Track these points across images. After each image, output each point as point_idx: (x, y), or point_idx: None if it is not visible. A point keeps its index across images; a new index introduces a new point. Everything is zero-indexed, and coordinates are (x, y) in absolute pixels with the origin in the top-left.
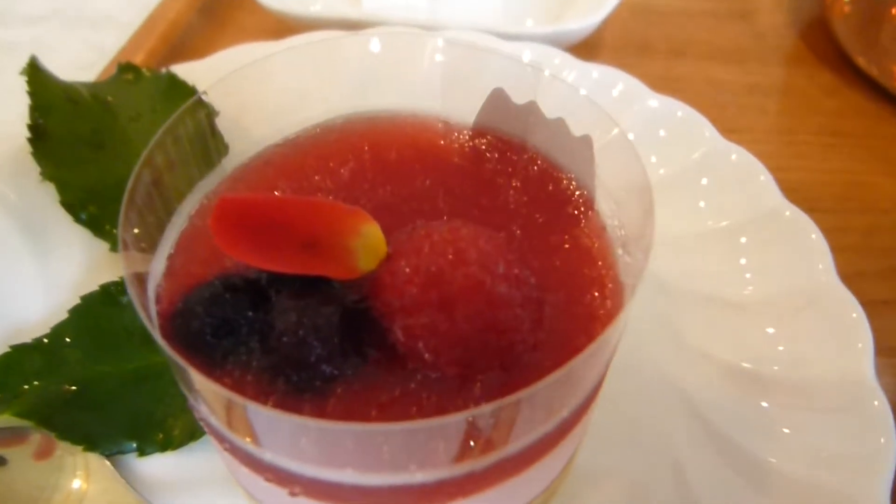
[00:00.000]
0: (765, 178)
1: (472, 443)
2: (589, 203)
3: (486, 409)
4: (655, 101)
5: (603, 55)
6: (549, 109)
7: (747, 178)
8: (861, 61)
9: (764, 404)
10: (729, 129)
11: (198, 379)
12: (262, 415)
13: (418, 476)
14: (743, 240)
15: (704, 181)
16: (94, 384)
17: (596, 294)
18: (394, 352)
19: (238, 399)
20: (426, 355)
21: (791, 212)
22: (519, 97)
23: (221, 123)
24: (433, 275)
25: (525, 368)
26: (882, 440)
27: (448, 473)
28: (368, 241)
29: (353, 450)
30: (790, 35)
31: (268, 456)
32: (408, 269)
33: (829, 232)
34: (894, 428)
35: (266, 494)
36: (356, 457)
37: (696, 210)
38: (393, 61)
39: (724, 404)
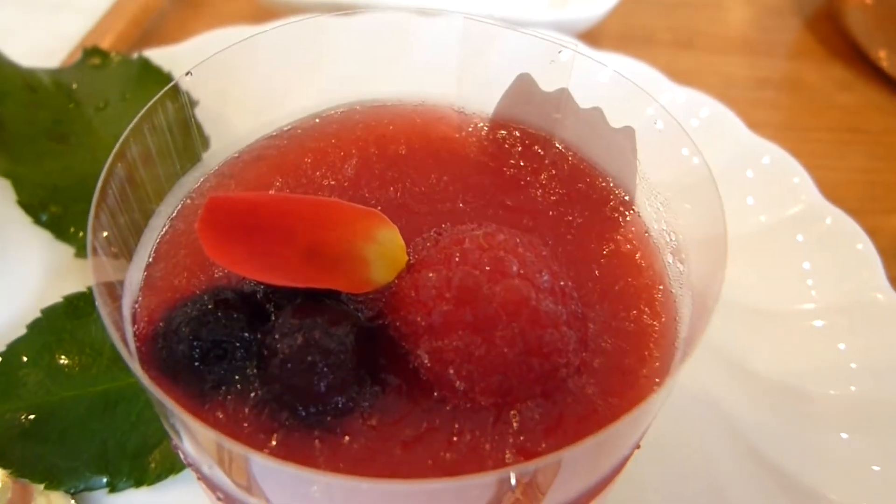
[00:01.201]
0: (800, 179)
1: (520, 493)
2: (629, 203)
3: (548, 460)
4: (682, 95)
5: (606, 46)
6: (580, 98)
7: (782, 178)
8: (882, 55)
9: (815, 428)
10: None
11: (184, 418)
12: (266, 466)
13: None
14: (783, 249)
15: (750, 174)
16: (56, 411)
17: (644, 308)
18: (417, 379)
19: (237, 448)
20: (458, 383)
21: (834, 217)
22: (547, 84)
23: (200, 114)
24: (468, 289)
25: (568, 395)
26: None
27: None
28: (386, 248)
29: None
30: (797, 27)
31: None
32: (436, 282)
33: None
34: None
35: None
36: None
37: (742, 210)
38: (396, 44)
39: (771, 427)
